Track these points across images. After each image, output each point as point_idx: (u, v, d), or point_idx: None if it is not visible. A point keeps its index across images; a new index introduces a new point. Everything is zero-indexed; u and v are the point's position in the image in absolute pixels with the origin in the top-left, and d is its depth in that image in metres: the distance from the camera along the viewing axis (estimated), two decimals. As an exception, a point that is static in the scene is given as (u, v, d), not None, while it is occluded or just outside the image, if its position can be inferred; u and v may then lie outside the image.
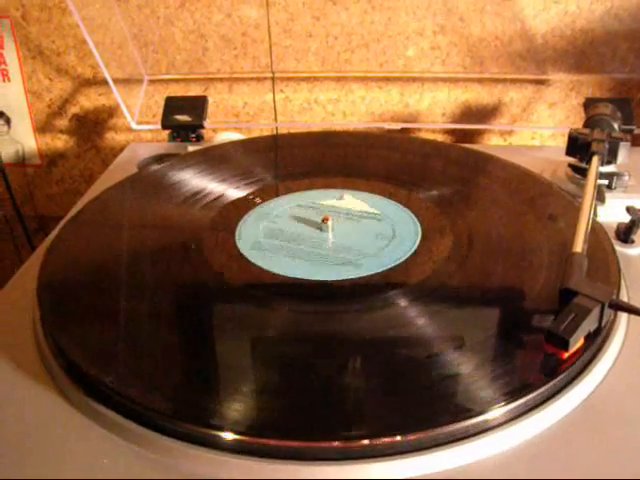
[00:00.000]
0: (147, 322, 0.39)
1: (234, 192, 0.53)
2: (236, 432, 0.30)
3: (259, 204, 0.51)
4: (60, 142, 0.85)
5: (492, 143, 0.79)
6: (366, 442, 0.30)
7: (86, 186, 0.85)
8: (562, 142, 0.54)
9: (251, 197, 0.53)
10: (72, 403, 0.34)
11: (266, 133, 0.81)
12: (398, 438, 0.30)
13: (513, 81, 0.75)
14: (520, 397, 0.32)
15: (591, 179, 0.47)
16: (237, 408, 0.32)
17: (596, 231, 0.45)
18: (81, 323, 0.39)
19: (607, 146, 0.51)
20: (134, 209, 0.52)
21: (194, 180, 0.55)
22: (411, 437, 0.30)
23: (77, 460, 0.31)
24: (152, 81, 0.79)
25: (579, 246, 0.39)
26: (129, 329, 0.39)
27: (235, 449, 0.30)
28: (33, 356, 0.37)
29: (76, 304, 0.41)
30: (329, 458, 0.30)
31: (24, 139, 0.85)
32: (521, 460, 0.30)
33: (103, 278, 0.43)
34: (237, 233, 0.47)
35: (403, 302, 0.39)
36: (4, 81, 0.81)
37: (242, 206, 0.51)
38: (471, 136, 0.79)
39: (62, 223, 0.51)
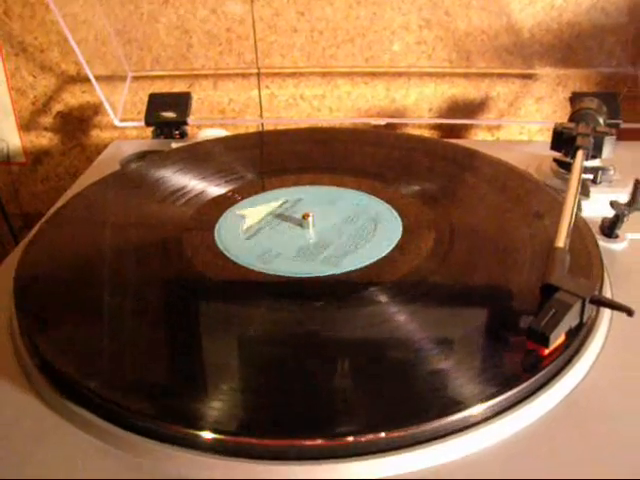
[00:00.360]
0: (126, 321, 0.39)
1: (215, 189, 0.53)
2: (217, 432, 0.30)
3: (239, 201, 0.51)
4: (45, 140, 0.85)
5: (479, 138, 0.79)
6: (350, 439, 0.30)
7: (72, 184, 0.84)
8: (549, 137, 0.54)
9: (232, 195, 0.52)
10: (48, 404, 0.33)
11: (252, 129, 0.80)
12: (382, 435, 0.30)
13: (500, 76, 0.75)
14: (502, 393, 0.31)
15: (575, 173, 0.46)
16: (218, 407, 0.31)
17: (579, 226, 0.44)
18: (58, 322, 0.38)
19: (592, 140, 0.51)
20: (115, 206, 0.52)
21: (175, 177, 0.54)
22: (393, 434, 0.30)
23: (53, 462, 0.30)
24: (136, 78, 0.78)
25: (561, 241, 0.38)
26: (107, 328, 0.38)
27: (216, 449, 0.30)
28: (9, 355, 0.37)
29: (54, 302, 0.40)
30: (312, 457, 0.30)
31: (8, 137, 0.85)
32: (503, 457, 0.30)
33: (81, 276, 0.43)
34: (216, 230, 0.47)
35: (384, 298, 0.39)
36: (-13, 78, 0.80)
37: (223, 203, 0.51)
38: (458, 131, 0.79)
39: (42, 220, 0.50)
